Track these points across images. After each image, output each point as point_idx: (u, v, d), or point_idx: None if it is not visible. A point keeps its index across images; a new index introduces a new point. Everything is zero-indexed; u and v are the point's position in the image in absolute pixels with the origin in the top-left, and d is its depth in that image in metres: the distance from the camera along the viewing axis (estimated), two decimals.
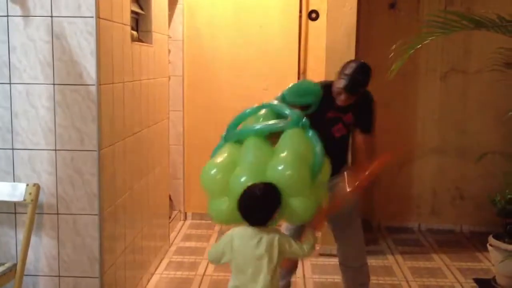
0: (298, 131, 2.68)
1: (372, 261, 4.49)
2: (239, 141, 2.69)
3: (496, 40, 4.11)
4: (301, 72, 5.25)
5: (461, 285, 4.06)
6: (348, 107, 3.26)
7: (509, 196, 3.94)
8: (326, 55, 4.46)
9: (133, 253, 3.54)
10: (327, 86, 3.24)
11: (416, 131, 5.29)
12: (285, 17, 5.19)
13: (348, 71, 3.15)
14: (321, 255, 4.54)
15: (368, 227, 5.38)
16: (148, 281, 3.98)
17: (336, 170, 3.19)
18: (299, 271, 4.25)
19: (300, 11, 5.18)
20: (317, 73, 5.09)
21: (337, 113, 3.25)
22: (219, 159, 2.65)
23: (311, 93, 3.12)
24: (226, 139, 2.75)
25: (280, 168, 2.52)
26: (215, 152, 2.75)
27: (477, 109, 5.17)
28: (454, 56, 5.16)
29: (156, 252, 4.22)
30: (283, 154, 2.56)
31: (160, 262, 4.33)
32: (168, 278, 4.10)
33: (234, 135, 2.73)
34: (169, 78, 4.80)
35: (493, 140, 5.06)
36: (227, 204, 2.57)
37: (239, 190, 2.50)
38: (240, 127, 2.77)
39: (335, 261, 4.47)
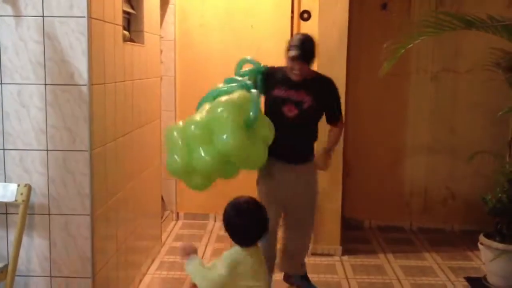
0: (241, 91, 3.19)
1: (363, 260, 4.52)
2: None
3: (486, 40, 4.15)
4: None
5: (453, 284, 4.09)
6: (303, 85, 3.42)
7: (499, 195, 3.97)
8: (318, 56, 4.45)
9: (125, 253, 3.54)
10: (277, 68, 3.54)
11: (407, 131, 5.31)
12: (277, 17, 5.20)
13: (296, 42, 3.35)
14: (313, 254, 4.56)
15: (359, 226, 5.42)
16: (140, 281, 3.98)
17: (294, 159, 3.50)
18: None
19: (292, 12, 5.19)
20: None
21: (288, 91, 3.43)
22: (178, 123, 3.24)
23: (254, 67, 3.51)
24: (198, 106, 3.30)
25: (218, 110, 3.02)
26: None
27: (467, 108, 5.20)
28: (445, 56, 5.19)
29: (148, 252, 4.22)
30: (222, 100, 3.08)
31: (152, 262, 4.32)
32: (160, 278, 4.10)
33: (202, 100, 3.32)
34: (161, 78, 4.79)
35: (484, 139, 5.10)
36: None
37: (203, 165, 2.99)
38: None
39: (327, 260, 4.50)
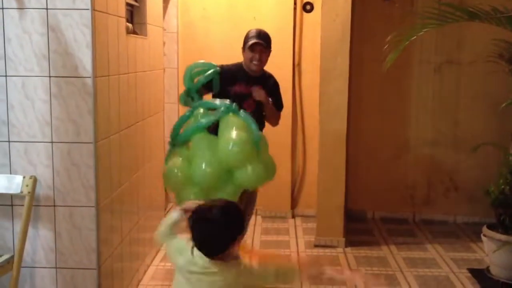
0: (232, 116, 3.18)
1: (366, 252, 4.53)
2: (185, 143, 3.23)
3: (490, 31, 4.14)
4: (296, 64, 5.25)
5: (455, 275, 4.10)
6: (260, 80, 3.61)
7: (502, 186, 3.97)
8: (321, 47, 4.47)
9: (129, 245, 3.55)
10: (231, 65, 3.67)
11: (410, 122, 5.31)
12: (279, 9, 5.19)
13: (252, 34, 3.60)
14: (316, 246, 4.57)
15: (362, 218, 5.43)
16: (145, 272, 4.00)
17: None
18: (293, 257, 4.29)
19: (295, 3, 5.18)
20: (311, 65, 5.12)
21: (246, 88, 3.56)
22: (175, 161, 3.19)
23: (205, 69, 3.52)
24: (173, 144, 3.29)
25: (229, 147, 3.04)
26: (167, 160, 3.28)
27: (471, 100, 5.20)
28: (448, 48, 5.18)
29: (152, 244, 4.23)
30: (228, 135, 3.08)
31: (156, 253, 4.34)
32: (164, 269, 4.12)
33: (180, 137, 3.25)
34: (164, 71, 4.79)
35: (487, 131, 5.09)
36: (195, 191, 3.07)
37: (202, 178, 3.05)
38: (181, 131, 3.28)
39: (330, 251, 4.52)
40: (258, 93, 3.57)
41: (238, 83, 3.57)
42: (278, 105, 3.78)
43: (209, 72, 3.51)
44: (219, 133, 3.16)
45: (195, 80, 3.48)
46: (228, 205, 2.17)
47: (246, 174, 3.08)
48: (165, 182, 3.34)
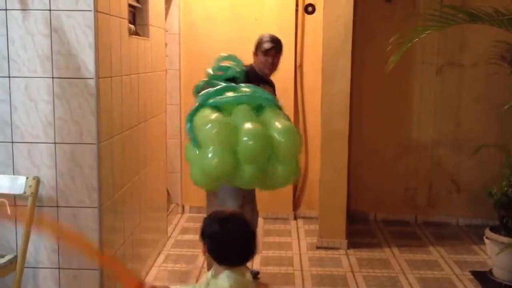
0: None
1: (369, 254, 4.53)
2: (216, 107, 3.06)
3: (492, 33, 4.14)
4: (298, 65, 5.26)
5: (458, 278, 4.09)
6: (269, 82, 3.74)
7: (505, 188, 3.96)
8: (323, 49, 4.47)
9: (131, 246, 3.56)
10: (248, 67, 3.68)
11: (412, 124, 5.31)
12: (281, 10, 5.20)
13: (266, 38, 3.72)
14: (318, 248, 4.57)
15: (364, 219, 5.42)
16: (147, 273, 4.00)
17: None
18: (296, 264, 4.29)
19: (297, 5, 5.19)
20: (313, 67, 5.12)
21: (264, 88, 3.51)
22: (212, 116, 2.97)
23: (234, 63, 3.55)
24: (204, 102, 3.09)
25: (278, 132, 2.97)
26: (192, 114, 3.06)
27: (473, 102, 5.20)
28: (450, 50, 5.18)
29: (154, 245, 4.24)
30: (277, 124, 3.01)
31: (158, 255, 4.35)
32: (167, 271, 4.12)
33: (216, 100, 3.08)
34: (166, 72, 4.80)
35: (489, 133, 5.09)
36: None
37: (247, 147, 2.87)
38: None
39: (332, 253, 4.51)
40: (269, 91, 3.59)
41: (257, 84, 3.48)
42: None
43: (238, 69, 3.54)
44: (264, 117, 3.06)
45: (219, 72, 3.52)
46: (239, 215, 2.17)
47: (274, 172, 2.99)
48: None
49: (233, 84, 3.24)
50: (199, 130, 2.96)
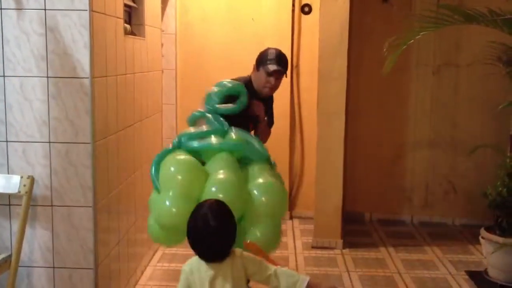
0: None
1: (364, 254, 4.54)
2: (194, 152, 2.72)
3: (487, 34, 4.15)
4: (294, 65, 5.27)
5: (453, 277, 4.10)
6: (265, 101, 3.36)
7: (499, 189, 3.98)
8: (319, 49, 4.48)
9: (126, 245, 3.56)
10: (245, 80, 3.30)
11: (408, 124, 5.32)
12: (278, 10, 5.21)
13: (271, 56, 3.24)
14: (314, 247, 4.58)
15: (360, 219, 5.43)
16: (142, 273, 4.00)
17: None
18: (292, 263, 4.29)
19: (293, 5, 5.20)
20: (309, 67, 5.13)
21: (258, 108, 3.29)
22: (181, 156, 2.68)
23: (239, 94, 3.08)
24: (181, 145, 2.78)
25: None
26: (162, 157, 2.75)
27: (469, 102, 5.21)
28: (446, 50, 5.19)
29: (150, 244, 4.24)
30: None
31: (154, 254, 4.35)
32: (162, 270, 4.12)
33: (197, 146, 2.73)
34: (162, 72, 4.80)
35: (485, 133, 5.10)
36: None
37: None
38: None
39: (328, 253, 4.52)
40: (258, 108, 3.29)
41: (255, 102, 3.27)
42: (270, 121, 3.53)
43: (243, 99, 3.08)
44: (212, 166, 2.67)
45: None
46: (219, 208, 2.18)
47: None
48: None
49: (224, 127, 2.87)
50: (162, 171, 2.64)
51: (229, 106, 3.01)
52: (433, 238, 4.94)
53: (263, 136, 3.40)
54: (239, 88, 3.09)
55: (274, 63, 3.22)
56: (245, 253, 2.24)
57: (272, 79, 3.25)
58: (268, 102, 3.45)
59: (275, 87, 3.32)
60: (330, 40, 4.43)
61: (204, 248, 2.15)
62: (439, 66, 5.23)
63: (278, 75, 3.28)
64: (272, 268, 2.22)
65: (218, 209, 2.17)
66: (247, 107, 3.13)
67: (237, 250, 2.22)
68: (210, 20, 5.27)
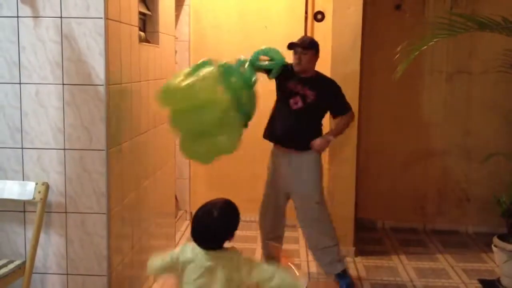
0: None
1: (376, 261, 4.52)
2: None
3: (501, 41, 4.14)
4: None
5: (466, 286, 4.08)
6: (308, 81, 3.81)
7: None
8: (332, 56, 4.48)
9: (139, 252, 3.57)
10: (289, 64, 3.85)
11: (421, 131, 5.30)
12: (290, 18, 5.22)
13: (298, 39, 3.87)
14: None
15: (372, 227, 5.41)
16: (154, 280, 4.00)
17: (295, 145, 3.86)
18: (303, 265, 4.29)
19: (306, 12, 5.20)
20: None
21: (296, 85, 3.81)
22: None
23: (274, 59, 3.71)
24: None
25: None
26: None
27: (482, 110, 5.19)
28: (460, 57, 5.17)
29: (163, 251, 4.24)
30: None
31: None
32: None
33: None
34: None
35: (498, 141, 5.08)
36: None
37: None
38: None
39: None
40: (318, 146, 3.85)
41: (290, 80, 3.83)
42: (340, 109, 3.94)
43: (277, 62, 3.72)
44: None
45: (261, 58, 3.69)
46: (227, 204, 2.41)
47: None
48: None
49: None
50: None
51: (266, 63, 3.70)
52: (446, 246, 4.92)
53: (340, 124, 3.96)
54: (274, 52, 3.72)
55: (295, 42, 3.78)
56: (244, 255, 2.41)
57: (296, 56, 3.79)
58: (319, 87, 3.83)
59: (299, 62, 3.79)
60: (343, 47, 4.43)
61: (202, 231, 2.34)
62: (452, 73, 5.21)
63: (295, 49, 3.77)
64: (270, 271, 2.33)
65: (224, 206, 2.39)
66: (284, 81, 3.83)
67: (238, 250, 2.40)
68: (223, 28, 5.29)
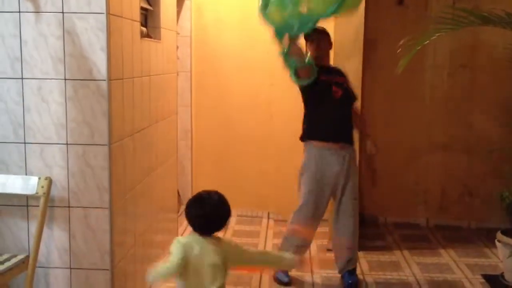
0: None
1: (379, 257, 4.52)
2: None
3: (504, 36, 4.12)
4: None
5: (469, 281, 4.07)
6: (332, 71, 3.92)
7: None
8: (334, 52, 4.46)
9: (142, 247, 3.58)
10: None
11: (423, 127, 5.29)
12: None
13: None
14: (329, 250, 4.56)
15: (374, 222, 5.41)
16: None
17: (347, 137, 3.86)
18: (307, 265, 4.28)
19: None
20: None
21: (327, 75, 3.81)
22: None
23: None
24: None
25: None
26: None
27: (484, 105, 5.17)
28: (462, 52, 5.16)
29: (165, 246, 4.24)
30: None
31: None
32: None
33: None
34: (177, 74, 4.83)
35: (501, 136, 5.06)
36: None
37: None
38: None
39: None
40: (369, 151, 4.10)
41: (320, 72, 3.75)
42: (354, 94, 4.00)
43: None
44: None
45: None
46: (219, 194, 2.53)
47: None
48: None
49: None
50: None
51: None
52: (449, 241, 4.91)
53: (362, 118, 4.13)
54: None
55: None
56: (231, 241, 2.64)
57: (313, 44, 3.82)
58: (339, 73, 3.94)
59: (314, 54, 3.80)
60: (345, 42, 4.42)
61: (203, 218, 2.45)
62: (454, 68, 5.20)
63: (311, 37, 3.75)
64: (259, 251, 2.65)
65: (219, 195, 2.52)
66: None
67: (225, 238, 2.59)
68: (224, 23, 5.28)
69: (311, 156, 3.85)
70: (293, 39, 3.35)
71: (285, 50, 3.34)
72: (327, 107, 3.78)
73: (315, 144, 3.83)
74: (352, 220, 3.91)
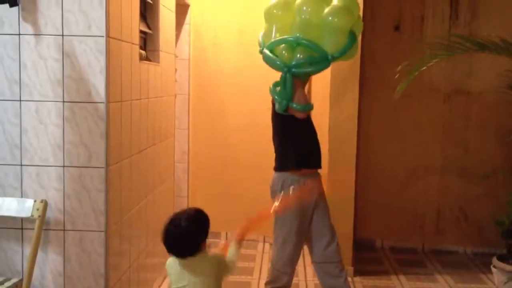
0: None
1: (375, 281, 4.49)
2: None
3: (499, 62, 4.16)
4: (306, 91, 5.27)
5: None
6: None
7: None
8: (331, 74, 4.49)
9: (137, 270, 3.55)
10: None
11: (419, 151, 5.31)
12: None
13: None
14: None
15: (371, 247, 5.39)
16: None
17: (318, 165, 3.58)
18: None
19: None
20: (321, 94, 5.13)
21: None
22: None
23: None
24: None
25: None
26: None
27: (480, 129, 5.20)
28: (458, 77, 5.20)
29: (160, 269, 4.22)
30: None
31: (164, 279, 4.32)
32: None
33: None
34: (175, 97, 4.84)
35: (497, 160, 5.08)
36: None
37: None
38: None
39: None
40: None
41: None
42: None
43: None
44: None
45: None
46: (196, 213, 2.53)
47: None
48: None
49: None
50: None
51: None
52: (445, 267, 4.89)
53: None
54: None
55: None
56: (217, 254, 2.66)
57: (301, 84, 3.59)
58: None
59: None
60: (342, 65, 4.43)
61: (172, 243, 2.47)
62: (450, 93, 5.23)
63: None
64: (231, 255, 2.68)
65: (193, 215, 2.51)
66: None
67: (210, 252, 2.57)
68: (222, 46, 5.32)
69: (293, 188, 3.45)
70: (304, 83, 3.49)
71: (288, 96, 3.33)
72: (314, 134, 3.56)
73: (303, 172, 3.46)
74: (332, 235, 3.72)
